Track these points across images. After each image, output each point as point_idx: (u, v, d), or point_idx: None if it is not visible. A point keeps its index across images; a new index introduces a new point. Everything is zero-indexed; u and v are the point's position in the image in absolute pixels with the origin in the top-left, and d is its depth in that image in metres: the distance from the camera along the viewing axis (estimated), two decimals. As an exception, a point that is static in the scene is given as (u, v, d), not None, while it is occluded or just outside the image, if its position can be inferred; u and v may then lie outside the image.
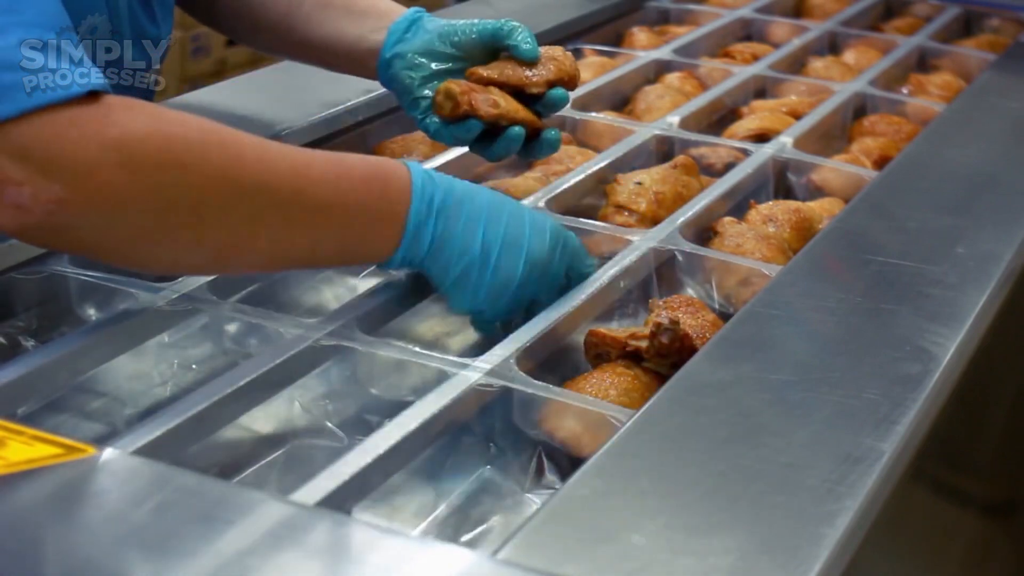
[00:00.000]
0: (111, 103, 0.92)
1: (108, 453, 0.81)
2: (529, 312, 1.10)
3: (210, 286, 1.12)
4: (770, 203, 1.37)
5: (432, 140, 1.30)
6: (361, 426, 1.04)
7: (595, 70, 1.77)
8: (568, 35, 1.92)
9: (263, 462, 1.01)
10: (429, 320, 1.17)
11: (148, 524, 0.75)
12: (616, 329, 1.11)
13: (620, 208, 1.33)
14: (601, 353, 1.09)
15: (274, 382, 1.01)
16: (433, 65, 1.27)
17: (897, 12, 2.23)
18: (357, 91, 1.53)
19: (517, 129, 1.23)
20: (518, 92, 1.24)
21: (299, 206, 1.00)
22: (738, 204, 1.38)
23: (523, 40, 1.25)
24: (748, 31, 2.07)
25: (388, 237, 1.05)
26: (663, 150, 1.52)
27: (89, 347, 1.04)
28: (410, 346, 1.06)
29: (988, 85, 1.74)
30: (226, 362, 1.09)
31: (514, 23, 1.26)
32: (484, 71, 1.24)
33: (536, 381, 1.00)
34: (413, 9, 1.31)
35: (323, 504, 0.85)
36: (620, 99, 1.73)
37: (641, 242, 1.23)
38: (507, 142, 1.23)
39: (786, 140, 1.52)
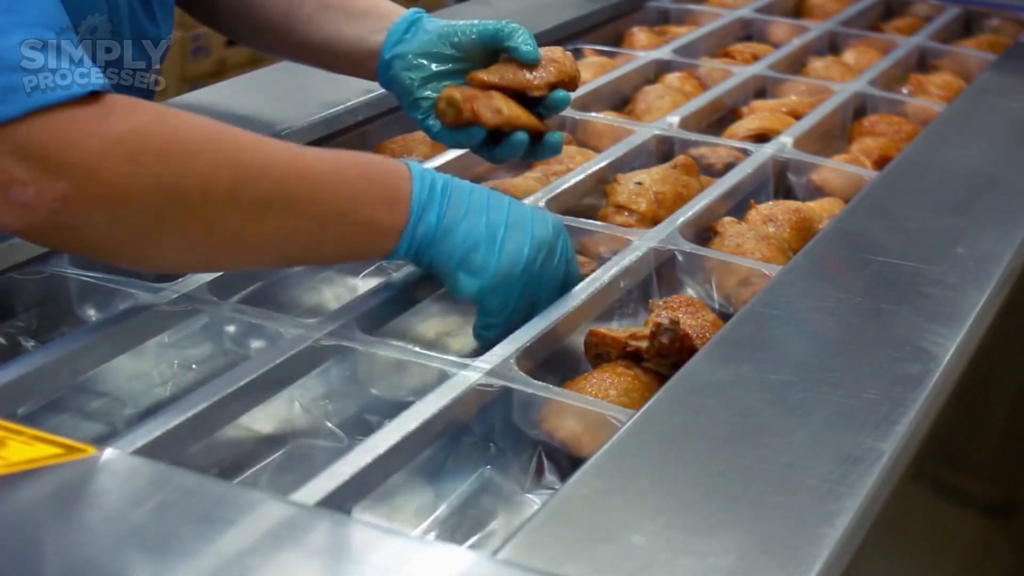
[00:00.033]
0: (112, 101, 0.93)
1: (108, 453, 0.81)
2: (529, 315, 1.10)
3: (210, 286, 1.12)
4: (770, 203, 1.37)
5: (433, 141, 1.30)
6: (361, 426, 1.04)
7: (595, 70, 1.77)
8: (568, 35, 1.92)
9: (263, 462, 1.01)
10: (429, 320, 1.17)
11: (148, 524, 0.75)
12: (616, 329, 1.11)
13: (620, 208, 1.33)
14: (601, 353, 1.09)
15: (274, 382, 1.01)
16: (433, 66, 1.27)
17: (897, 12, 2.23)
18: (357, 91, 1.53)
19: (521, 135, 1.23)
20: (520, 95, 1.24)
21: (302, 190, 1.00)
22: (738, 204, 1.38)
23: (523, 42, 1.24)
24: (748, 31, 2.07)
25: (393, 221, 1.05)
26: (663, 150, 1.52)
27: (89, 347, 1.04)
28: (410, 346, 1.06)
29: (988, 85, 1.74)
30: (226, 362, 1.09)
31: (514, 25, 1.26)
32: (485, 75, 1.24)
33: (536, 381, 1.00)
34: (413, 10, 1.31)
35: (323, 504, 0.85)
36: (620, 99, 1.73)
37: (641, 242, 1.23)
38: (511, 147, 1.23)
39: (786, 140, 1.52)
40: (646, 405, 0.94)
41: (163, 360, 1.10)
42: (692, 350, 1.04)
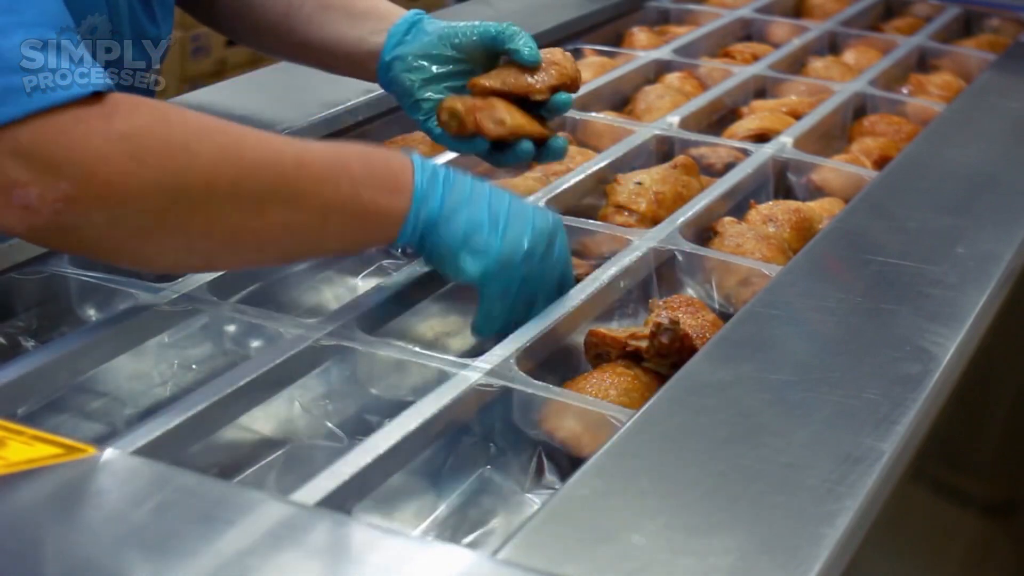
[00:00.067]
0: (113, 100, 0.93)
1: (108, 453, 0.81)
2: (527, 314, 1.10)
3: (210, 286, 1.12)
4: (770, 203, 1.37)
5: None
6: (361, 426, 1.04)
7: (595, 70, 1.77)
8: (568, 35, 1.92)
9: (263, 462, 1.01)
10: (429, 320, 1.17)
11: (148, 524, 0.75)
12: (616, 329, 1.11)
13: (620, 208, 1.33)
14: (601, 353, 1.09)
15: (274, 382, 1.01)
16: (433, 68, 1.27)
17: (897, 12, 2.23)
18: (357, 91, 1.53)
19: (527, 145, 1.23)
20: (522, 99, 1.24)
21: (305, 183, 1.00)
22: (738, 204, 1.38)
23: (524, 45, 1.24)
24: (748, 31, 2.07)
25: (395, 206, 1.05)
26: (663, 150, 1.52)
27: (89, 347, 1.04)
28: (410, 346, 1.06)
29: (988, 85, 1.74)
30: (226, 362, 1.09)
31: (515, 27, 1.26)
32: (486, 81, 1.24)
33: (536, 381, 1.00)
34: (413, 12, 1.31)
35: (323, 504, 0.84)
36: (620, 99, 1.73)
37: (641, 242, 1.23)
38: (516, 156, 1.24)
39: (786, 140, 1.52)
40: (646, 405, 0.94)
41: (163, 360, 1.10)
42: (692, 350, 1.04)
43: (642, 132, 1.53)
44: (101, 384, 1.07)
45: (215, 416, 0.97)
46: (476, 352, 1.06)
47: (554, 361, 1.09)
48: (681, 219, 1.28)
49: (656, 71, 1.81)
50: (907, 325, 1.06)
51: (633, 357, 1.07)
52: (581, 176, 1.38)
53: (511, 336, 1.05)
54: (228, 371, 1.00)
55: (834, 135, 1.64)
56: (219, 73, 3.29)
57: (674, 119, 1.57)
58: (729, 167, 1.46)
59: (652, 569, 0.75)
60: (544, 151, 1.26)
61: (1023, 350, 1.35)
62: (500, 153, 1.24)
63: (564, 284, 1.14)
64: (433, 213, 1.06)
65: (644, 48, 1.92)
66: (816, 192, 1.47)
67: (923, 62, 1.95)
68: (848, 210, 1.31)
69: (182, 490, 0.79)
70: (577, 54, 1.83)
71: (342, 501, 0.87)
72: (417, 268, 1.16)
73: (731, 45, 1.97)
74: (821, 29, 2.02)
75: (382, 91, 1.35)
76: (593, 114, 1.61)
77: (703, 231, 1.30)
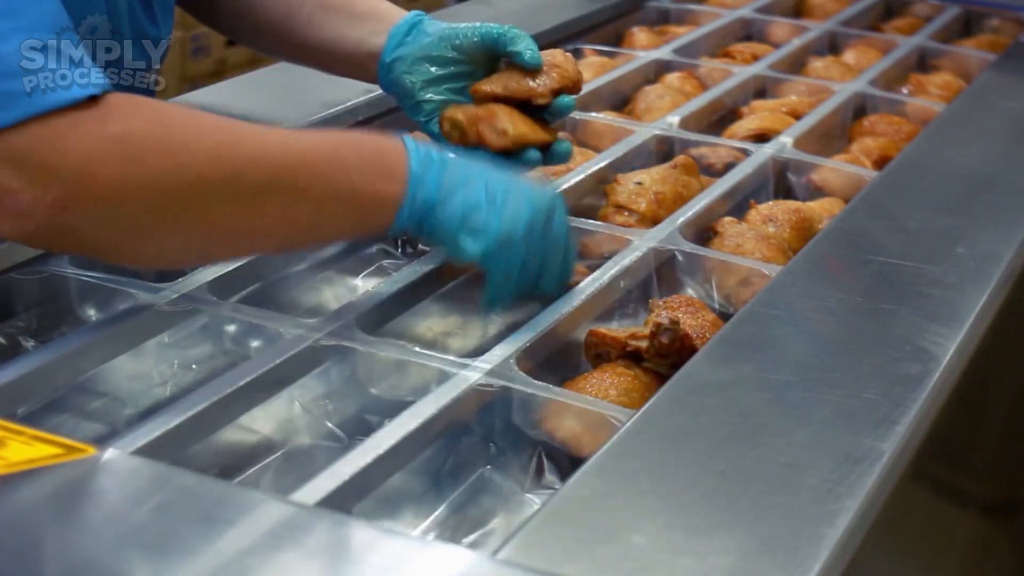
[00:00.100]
0: (110, 102, 0.93)
1: (108, 453, 0.81)
2: (535, 289, 1.10)
3: (210, 286, 1.12)
4: (770, 203, 1.37)
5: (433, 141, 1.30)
6: (361, 426, 1.04)
7: (595, 70, 1.77)
8: (568, 35, 1.92)
9: (263, 462, 1.01)
10: (429, 320, 1.17)
11: (148, 524, 0.75)
12: (616, 329, 1.11)
13: (620, 208, 1.33)
14: (601, 353, 1.09)
15: (274, 382, 1.01)
16: (434, 69, 1.27)
17: (897, 12, 2.23)
18: (357, 91, 1.53)
19: (534, 154, 1.23)
20: (524, 103, 1.24)
21: (300, 175, 1.00)
22: (738, 204, 1.38)
23: (526, 48, 1.24)
24: (748, 31, 2.07)
25: (391, 191, 1.05)
26: (663, 150, 1.52)
27: (89, 347, 1.04)
28: (410, 346, 1.06)
29: (988, 85, 1.74)
30: (226, 362, 1.09)
31: (516, 30, 1.25)
32: (488, 86, 1.24)
33: (536, 381, 1.00)
34: (413, 13, 1.31)
35: (323, 504, 0.85)
36: (620, 99, 1.73)
37: (641, 242, 1.23)
38: (523, 165, 1.23)
39: (786, 140, 1.52)
40: (646, 405, 0.94)
41: (163, 360, 1.10)
42: (692, 350, 1.04)
43: (642, 132, 1.53)
44: (101, 384, 1.07)
45: (215, 416, 0.97)
46: (476, 352, 1.06)
47: (554, 361, 1.09)
48: (681, 219, 1.28)
49: (656, 71, 1.81)
50: (907, 325, 1.06)
51: (633, 357, 1.07)
52: (581, 176, 1.38)
53: (511, 336, 1.05)
54: (228, 371, 1.00)
55: (834, 135, 1.64)
56: (219, 73, 3.29)
57: (674, 119, 1.57)
58: (729, 167, 1.46)
59: (652, 569, 0.75)
60: (548, 156, 1.26)
61: (1023, 350, 1.35)
62: (505, 161, 1.24)
63: (568, 257, 1.13)
64: (430, 196, 1.06)
65: (644, 48, 1.92)
66: (816, 192, 1.47)
67: (923, 62, 1.95)
68: (848, 210, 1.31)
69: (182, 490, 0.79)
70: (577, 54, 1.83)
71: (342, 501, 0.87)
72: (417, 268, 1.16)
73: (731, 45, 1.97)
74: (821, 29, 2.02)
75: (382, 91, 1.35)
76: (593, 114, 1.61)
77: (703, 231, 1.30)
